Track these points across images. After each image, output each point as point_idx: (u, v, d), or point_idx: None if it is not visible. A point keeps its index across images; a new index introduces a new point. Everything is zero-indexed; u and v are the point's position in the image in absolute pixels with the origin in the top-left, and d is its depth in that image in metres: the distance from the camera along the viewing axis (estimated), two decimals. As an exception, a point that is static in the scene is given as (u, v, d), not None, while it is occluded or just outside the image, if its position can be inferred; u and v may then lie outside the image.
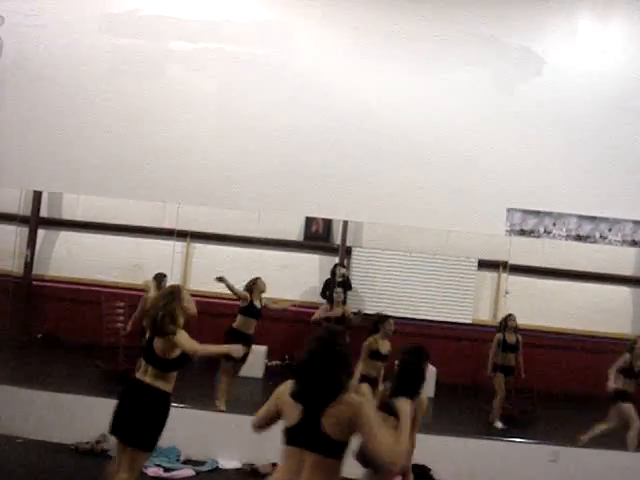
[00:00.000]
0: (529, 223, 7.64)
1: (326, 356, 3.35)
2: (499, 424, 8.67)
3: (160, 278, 8.90)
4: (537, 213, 7.63)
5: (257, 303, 8.58)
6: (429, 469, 7.21)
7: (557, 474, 7.27)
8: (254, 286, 8.58)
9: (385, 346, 8.07)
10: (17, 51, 7.77)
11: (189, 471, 6.95)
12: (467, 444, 7.51)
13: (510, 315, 9.05)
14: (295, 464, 3.30)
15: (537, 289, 9.97)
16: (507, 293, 8.51)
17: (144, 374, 5.09)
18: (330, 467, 3.28)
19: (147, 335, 5.16)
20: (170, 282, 8.71)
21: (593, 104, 7.60)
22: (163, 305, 5.09)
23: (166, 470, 6.84)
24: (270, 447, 7.19)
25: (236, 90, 7.70)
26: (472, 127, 7.67)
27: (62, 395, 7.47)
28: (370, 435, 3.24)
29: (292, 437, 3.37)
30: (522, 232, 7.65)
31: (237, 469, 7.20)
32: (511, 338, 9.00)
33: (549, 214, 7.64)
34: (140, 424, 4.99)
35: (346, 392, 3.33)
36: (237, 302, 8.50)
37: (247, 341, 8.26)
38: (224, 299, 9.08)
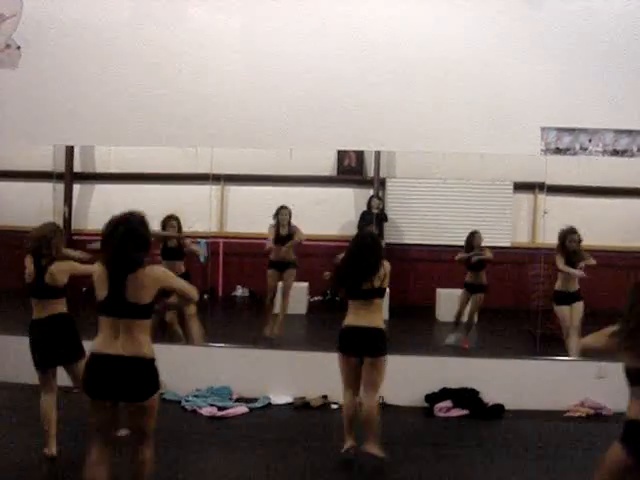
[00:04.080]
0: (564, 141, 7.52)
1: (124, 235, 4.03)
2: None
3: None
4: (572, 130, 7.50)
5: None
6: (477, 392, 7.31)
7: (605, 390, 7.30)
8: None
9: None
10: (37, 6, 7.73)
11: (243, 408, 7.12)
12: (514, 365, 7.57)
13: None
14: (112, 331, 4.04)
15: (576, 208, 9.83)
16: (545, 213, 8.40)
17: None
18: (140, 327, 4.06)
19: None
20: (208, 226, 8.77)
21: (626, 14, 7.35)
22: None
23: (220, 409, 7.03)
24: (319, 380, 7.35)
25: (260, 28, 7.60)
26: (500, 47, 7.48)
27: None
28: (176, 284, 4.32)
29: (105, 309, 4.10)
30: (557, 150, 7.53)
31: (289, 404, 7.37)
32: None
33: (584, 130, 7.50)
34: None
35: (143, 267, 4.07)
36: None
37: None
38: (261, 239, 9.14)
